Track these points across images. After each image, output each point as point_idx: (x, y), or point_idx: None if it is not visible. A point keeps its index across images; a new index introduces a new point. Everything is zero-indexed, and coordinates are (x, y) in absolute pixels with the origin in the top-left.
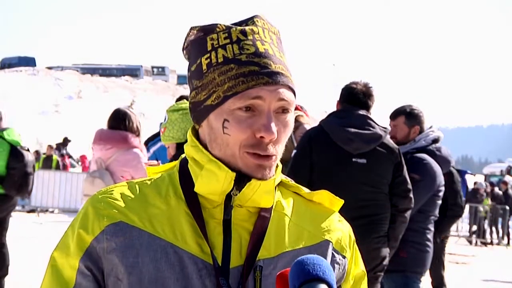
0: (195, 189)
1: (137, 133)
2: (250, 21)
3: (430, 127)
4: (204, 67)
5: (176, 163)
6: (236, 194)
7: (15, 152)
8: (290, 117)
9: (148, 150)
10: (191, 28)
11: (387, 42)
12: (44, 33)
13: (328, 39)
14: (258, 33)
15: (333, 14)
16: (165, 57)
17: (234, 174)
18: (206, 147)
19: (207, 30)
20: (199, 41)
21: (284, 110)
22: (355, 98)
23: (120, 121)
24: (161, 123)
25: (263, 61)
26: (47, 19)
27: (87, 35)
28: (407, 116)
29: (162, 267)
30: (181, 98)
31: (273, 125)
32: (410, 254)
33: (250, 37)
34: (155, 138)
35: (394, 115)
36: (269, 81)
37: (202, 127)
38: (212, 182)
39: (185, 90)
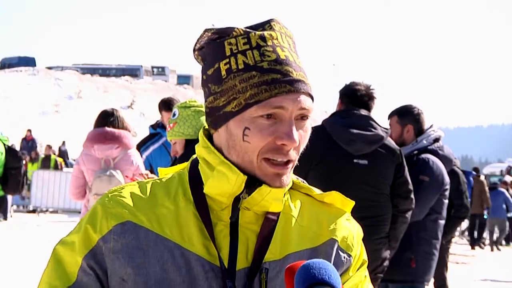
0: (205, 190)
1: (133, 133)
2: (267, 25)
3: (431, 126)
4: (223, 72)
5: (188, 163)
6: (245, 198)
7: (12, 152)
8: (309, 123)
9: (140, 155)
10: (205, 30)
11: (387, 42)
12: (44, 33)
13: (328, 39)
14: (276, 38)
15: (333, 15)
16: (165, 57)
17: (246, 177)
18: (220, 151)
19: (223, 34)
20: (216, 45)
21: (304, 117)
22: (360, 100)
23: (113, 122)
24: (150, 126)
25: (285, 68)
26: (47, 19)
27: (87, 35)
28: (399, 115)
29: (169, 269)
30: (168, 101)
31: (295, 132)
32: (421, 264)
33: (269, 43)
34: (145, 143)
35: (389, 115)
36: (292, 90)
37: (218, 132)
38: (222, 184)
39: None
